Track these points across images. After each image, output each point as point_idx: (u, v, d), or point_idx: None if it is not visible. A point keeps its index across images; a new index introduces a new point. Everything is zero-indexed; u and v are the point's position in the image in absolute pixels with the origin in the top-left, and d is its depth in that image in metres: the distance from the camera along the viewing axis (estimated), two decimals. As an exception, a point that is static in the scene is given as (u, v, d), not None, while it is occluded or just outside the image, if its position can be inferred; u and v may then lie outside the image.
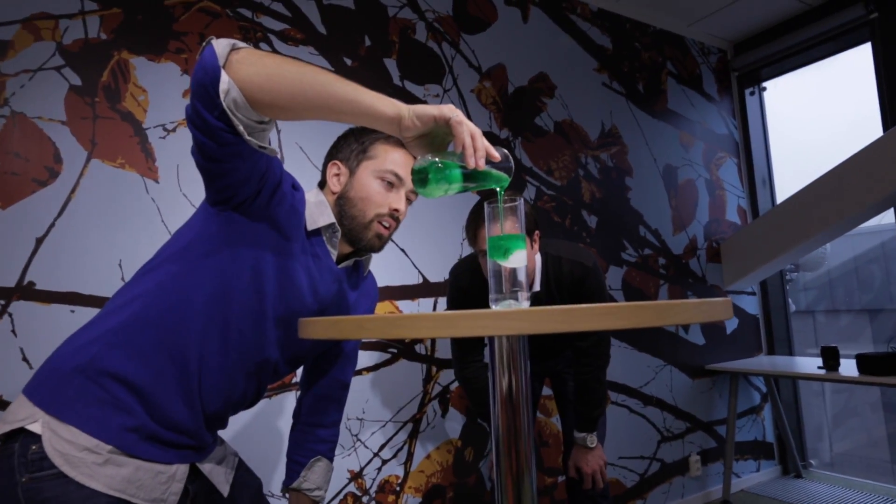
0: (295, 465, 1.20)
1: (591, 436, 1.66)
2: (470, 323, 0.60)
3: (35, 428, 0.85)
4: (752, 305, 3.14)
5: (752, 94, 3.36)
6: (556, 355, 1.79)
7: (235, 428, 1.70)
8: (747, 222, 3.18)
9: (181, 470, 0.94)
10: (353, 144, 1.08)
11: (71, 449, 0.84)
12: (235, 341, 0.95)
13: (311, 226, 1.02)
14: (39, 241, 1.52)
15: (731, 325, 3.01)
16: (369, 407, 1.95)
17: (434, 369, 2.09)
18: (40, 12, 1.59)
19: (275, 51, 1.91)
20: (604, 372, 1.64)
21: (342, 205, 1.05)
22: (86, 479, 0.84)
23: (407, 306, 2.06)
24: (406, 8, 2.22)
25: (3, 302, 1.46)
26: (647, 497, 2.56)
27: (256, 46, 1.85)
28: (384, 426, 1.97)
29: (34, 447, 0.84)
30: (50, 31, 1.59)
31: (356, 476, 1.89)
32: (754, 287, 3.15)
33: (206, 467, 1.01)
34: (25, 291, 1.49)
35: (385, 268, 2.01)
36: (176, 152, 1.71)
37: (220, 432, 1.17)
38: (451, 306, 1.69)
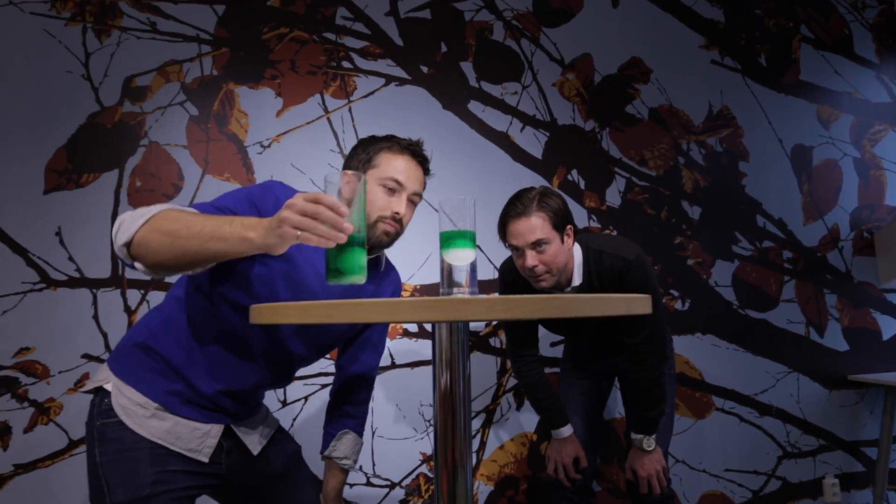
0: (327, 437, 1.37)
1: (649, 438, 1.58)
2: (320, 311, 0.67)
3: (108, 387, 1.11)
4: (924, 307, 2.60)
5: (930, 50, 2.77)
6: (616, 353, 1.72)
7: (317, 404, 1.94)
8: (918, 207, 2.64)
9: (215, 429, 1.14)
10: (360, 155, 1.19)
11: (128, 403, 1.09)
12: (256, 340, 1.12)
13: None
14: (167, 243, 1.90)
15: (890, 329, 2.53)
16: (442, 395, 2.06)
17: (508, 363, 2.13)
18: (170, 59, 1.98)
19: (356, 68, 2.12)
20: (659, 371, 1.55)
21: None
22: (137, 427, 1.08)
23: (481, 300, 2.13)
24: (483, 10, 2.28)
25: (143, 291, 1.87)
26: (763, 518, 2.29)
27: (339, 66, 2.07)
28: (456, 414, 2.07)
29: (106, 401, 1.10)
30: (176, 74, 1.98)
31: (428, 458, 2.02)
32: (927, 285, 2.61)
33: (240, 430, 1.20)
34: (158, 284, 1.88)
35: (459, 263, 2.10)
36: (270, 165, 2.00)
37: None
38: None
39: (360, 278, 0.81)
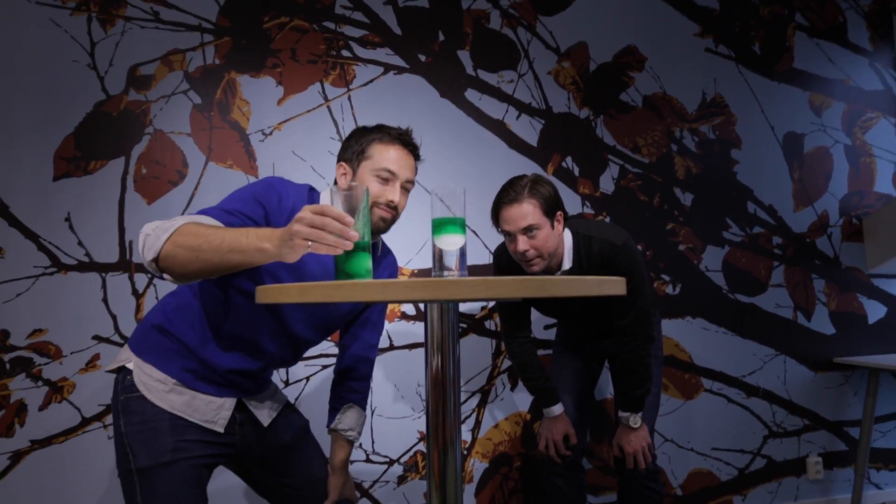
0: (332, 411, 1.46)
1: (635, 416, 1.66)
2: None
3: (130, 365, 1.20)
4: (910, 292, 2.67)
5: (924, 38, 2.80)
6: (605, 335, 1.79)
7: (317, 384, 2.02)
8: (908, 194, 2.69)
9: (229, 402, 1.24)
10: (353, 146, 1.26)
11: (148, 380, 1.18)
12: (263, 324, 1.21)
13: None
14: (173, 229, 1.96)
15: (876, 313, 2.60)
16: (439, 375, 2.14)
17: (503, 345, 2.20)
18: (173, 48, 2.02)
19: (356, 56, 2.16)
20: (645, 352, 1.61)
21: None
22: (157, 400, 1.17)
23: (477, 284, 2.20)
24: (480, -1, 2.31)
25: (150, 276, 1.93)
26: (748, 494, 2.38)
27: (338, 54, 2.11)
28: (453, 394, 2.14)
29: (128, 378, 1.19)
30: (179, 63, 2.02)
31: (425, 437, 2.10)
32: (914, 270, 2.67)
33: (251, 403, 1.30)
34: (164, 267, 1.94)
35: (455, 248, 2.17)
36: (272, 152, 2.06)
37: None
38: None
39: (367, 273, 0.87)
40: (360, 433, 1.46)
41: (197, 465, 1.18)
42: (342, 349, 1.48)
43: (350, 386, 1.46)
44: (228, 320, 1.19)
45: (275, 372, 1.95)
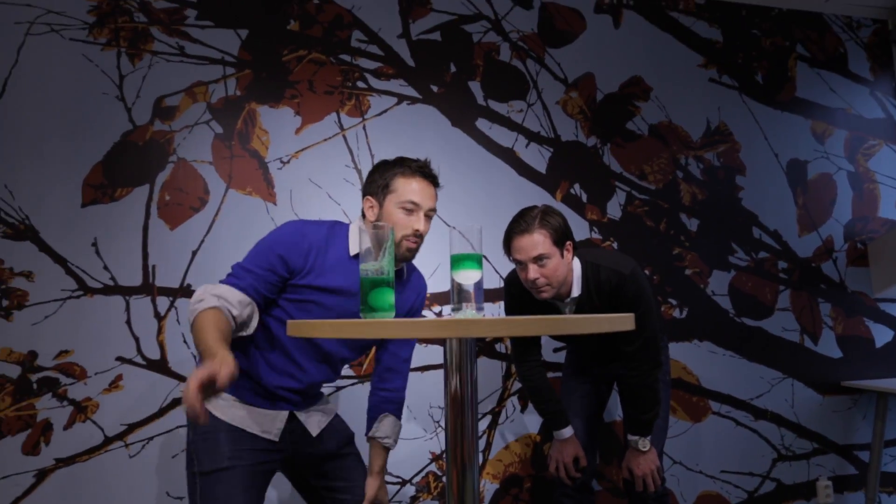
0: (370, 420, 1.54)
1: (644, 439, 1.69)
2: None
3: None
4: (917, 316, 2.69)
5: (924, 67, 2.86)
6: (614, 359, 1.82)
7: (333, 405, 2.07)
8: (912, 219, 2.73)
9: (282, 415, 1.35)
10: (378, 181, 1.36)
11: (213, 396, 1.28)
12: (300, 347, 1.33)
13: (353, 251, 1.32)
14: (194, 254, 2.03)
15: (883, 337, 2.63)
16: (450, 397, 2.18)
17: (513, 368, 2.24)
18: (196, 81, 2.11)
19: (370, 87, 2.24)
20: (653, 377, 1.65)
21: None
22: (220, 414, 1.29)
23: (488, 309, 2.25)
24: (490, 32, 2.40)
25: (171, 299, 2.00)
26: (758, 518, 2.39)
27: (354, 85, 2.20)
28: (464, 415, 2.18)
29: None
30: (202, 94, 2.11)
31: (437, 458, 2.14)
32: (920, 294, 2.70)
33: (302, 415, 1.41)
34: (185, 292, 2.01)
35: (466, 273, 2.22)
36: (290, 180, 2.13)
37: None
38: (507, 312, 1.85)
39: (390, 314, 0.94)
40: (395, 441, 1.55)
41: (253, 471, 1.29)
42: (377, 363, 1.58)
43: (385, 397, 1.55)
44: (272, 345, 1.32)
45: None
